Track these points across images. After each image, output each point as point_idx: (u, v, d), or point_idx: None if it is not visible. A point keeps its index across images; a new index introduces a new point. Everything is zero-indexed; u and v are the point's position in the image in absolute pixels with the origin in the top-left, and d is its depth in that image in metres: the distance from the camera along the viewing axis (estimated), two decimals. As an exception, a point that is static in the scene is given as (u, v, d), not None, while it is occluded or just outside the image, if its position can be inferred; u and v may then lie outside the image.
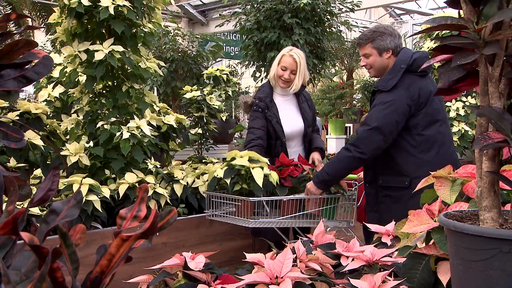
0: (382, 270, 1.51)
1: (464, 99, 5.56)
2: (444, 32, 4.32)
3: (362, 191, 2.98)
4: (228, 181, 2.72)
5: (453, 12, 5.80)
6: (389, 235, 1.83)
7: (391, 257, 1.56)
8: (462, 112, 5.46)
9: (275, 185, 2.78)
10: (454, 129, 5.43)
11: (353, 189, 2.93)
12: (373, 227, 1.91)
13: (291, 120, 3.27)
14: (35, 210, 2.60)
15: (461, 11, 1.05)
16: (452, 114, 5.45)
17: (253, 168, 2.73)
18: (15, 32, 0.79)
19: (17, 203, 0.78)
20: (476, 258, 0.99)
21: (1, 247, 0.61)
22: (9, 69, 0.72)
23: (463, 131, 5.43)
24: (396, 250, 1.58)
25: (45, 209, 2.69)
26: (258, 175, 2.70)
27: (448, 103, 5.44)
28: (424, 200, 1.56)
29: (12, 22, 0.79)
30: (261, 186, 2.69)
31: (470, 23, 1.02)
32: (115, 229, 2.16)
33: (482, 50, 0.98)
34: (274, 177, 2.76)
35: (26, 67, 0.74)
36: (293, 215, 2.74)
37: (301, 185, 2.84)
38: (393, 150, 2.72)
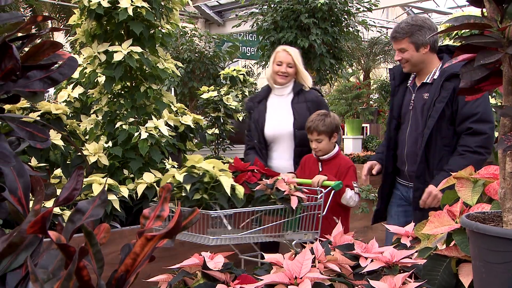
0: (401, 271, 1.49)
1: (483, 99, 5.48)
2: (463, 31, 4.27)
3: (328, 199, 2.67)
4: (188, 187, 2.41)
5: (472, 11, 5.72)
6: (409, 236, 1.81)
7: (411, 258, 1.54)
8: (481, 112, 5.37)
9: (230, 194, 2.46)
10: (474, 129, 5.34)
11: (318, 196, 2.64)
12: (392, 228, 1.89)
13: (276, 121, 3.12)
14: (55, 209, 2.64)
15: (484, 10, 1.04)
16: (472, 114, 5.37)
17: (220, 176, 2.44)
18: (39, 34, 0.80)
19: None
20: (499, 260, 0.97)
21: (28, 246, 0.62)
22: (35, 70, 0.73)
23: (482, 132, 5.34)
24: (416, 252, 1.56)
25: (65, 208, 2.73)
26: (226, 183, 2.39)
27: (467, 103, 5.35)
28: (445, 201, 1.54)
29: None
30: (229, 194, 2.38)
31: (494, 22, 1.00)
32: (134, 228, 2.16)
33: (506, 49, 0.97)
34: (240, 190, 2.45)
35: (51, 68, 0.75)
36: (256, 229, 2.42)
37: (259, 200, 2.49)
38: (454, 141, 2.59)
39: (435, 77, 2.65)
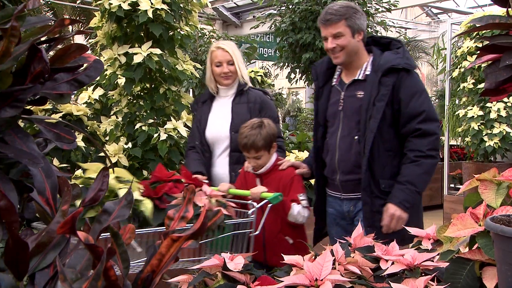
0: (423, 274, 1.48)
1: (505, 99, 5.41)
2: (484, 31, 4.21)
3: (262, 214, 2.26)
4: (78, 202, 1.71)
5: (494, 11, 5.64)
6: (430, 238, 1.79)
7: (432, 261, 1.53)
8: (503, 113, 5.30)
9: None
10: (495, 131, 5.28)
11: (249, 212, 2.24)
12: (412, 230, 1.88)
13: (215, 123, 2.83)
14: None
15: (510, 10, 1.02)
16: (493, 115, 5.31)
17: (119, 189, 2.04)
18: (66, 37, 0.82)
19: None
20: (526, 264, 0.96)
21: (56, 246, 0.63)
22: (62, 73, 0.75)
23: (504, 133, 5.27)
24: (438, 255, 1.54)
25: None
26: None
27: (488, 104, 5.29)
28: (468, 204, 1.52)
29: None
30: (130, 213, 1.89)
31: (520, 22, 0.99)
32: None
33: (532, 50, 0.96)
34: (148, 206, 2.01)
35: (78, 70, 0.77)
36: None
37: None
38: (395, 145, 2.32)
39: (368, 72, 2.34)
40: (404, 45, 2.40)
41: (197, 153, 2.81)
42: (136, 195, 2.04)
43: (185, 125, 3.35)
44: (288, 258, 1.59)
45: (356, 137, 2.32)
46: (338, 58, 2.34)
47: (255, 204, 2.26)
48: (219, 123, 2.82)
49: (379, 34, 6.00)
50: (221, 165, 2.78)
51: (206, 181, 2.49)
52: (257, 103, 2.80)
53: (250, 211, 2.24)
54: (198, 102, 2.96)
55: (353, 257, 1.59)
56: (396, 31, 7.68)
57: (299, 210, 2.41)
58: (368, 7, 5.30)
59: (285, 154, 2.85)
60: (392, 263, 1.56)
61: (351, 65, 2.38)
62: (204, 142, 2.82)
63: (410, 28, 14.07)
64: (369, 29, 5.45)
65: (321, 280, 1.38)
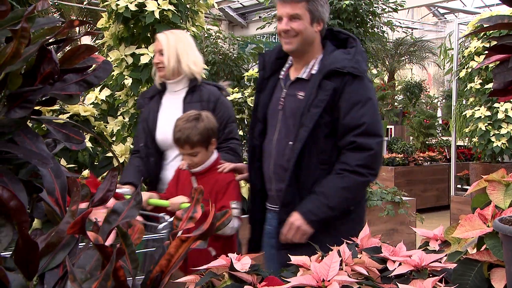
0: (431, 275, 1.47)
1: (513, 100, 5.38)
2: (492, 31, 4.19)
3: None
4: None
5: (501, 10, 5.61)
6: (437, 239, 1.78)
7: (440, 262, 1.52)
8: (511, 114, 5.27)
9: None
10: (503, 131, 5.25)
11: (160, 226, 1.95)
12: (419, 231, 1.87)
13: (166, 123, 2.42)
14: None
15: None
16: (501, 115, 5.28)
17: None
18: (75, 38, 0.82)
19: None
20: (535, 265, 0.95)
21: (66, 246, 0.63)
22: (71, 74, 0.75)
23: (512, 133, 5.24)
24: (445, 256, 1.54)
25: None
26: None
27: (496, 104, 5.27)
28: (476, 205, 1.52)
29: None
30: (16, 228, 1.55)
31: (529, 22, 0.98)
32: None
33: (542, 50, 0.95)
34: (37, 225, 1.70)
35: (86, 71, 0.77)
36: None
37: None
38: (333, 158, 2.04)
39: (314, 71, 2.05)
40: (359, 45, 2.08)
41: (139, 158, 2.48)
42: None
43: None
44: (295, 259, 1.59)
45: (290, 142, 2.03)
46: (290, 44, 2.03)
47: (166, 217, 1.99)
48: (170, 126, 2.32)
49: (385, 34, 5.99)
50: (174, 169, 2.40)
51: (127, 190, 2.27)
52: (210, 101, 2.42)
53: (161, 226, 1.93)
54: (144, 98, 2.59)
55: (360, 258, 1.59)
56: (403, 31, 7.67)
57: None
58: (375, 7, 5.28)
59: (242, 159, 2.54)
60: (400, 264, 1.56)
61: (302, 58, 2.08)
62: (151, 145, 2.46)
63: (417, 28, 14.04)
64: (375, 29, 5.44)
65: (328, 281, 1.38)
